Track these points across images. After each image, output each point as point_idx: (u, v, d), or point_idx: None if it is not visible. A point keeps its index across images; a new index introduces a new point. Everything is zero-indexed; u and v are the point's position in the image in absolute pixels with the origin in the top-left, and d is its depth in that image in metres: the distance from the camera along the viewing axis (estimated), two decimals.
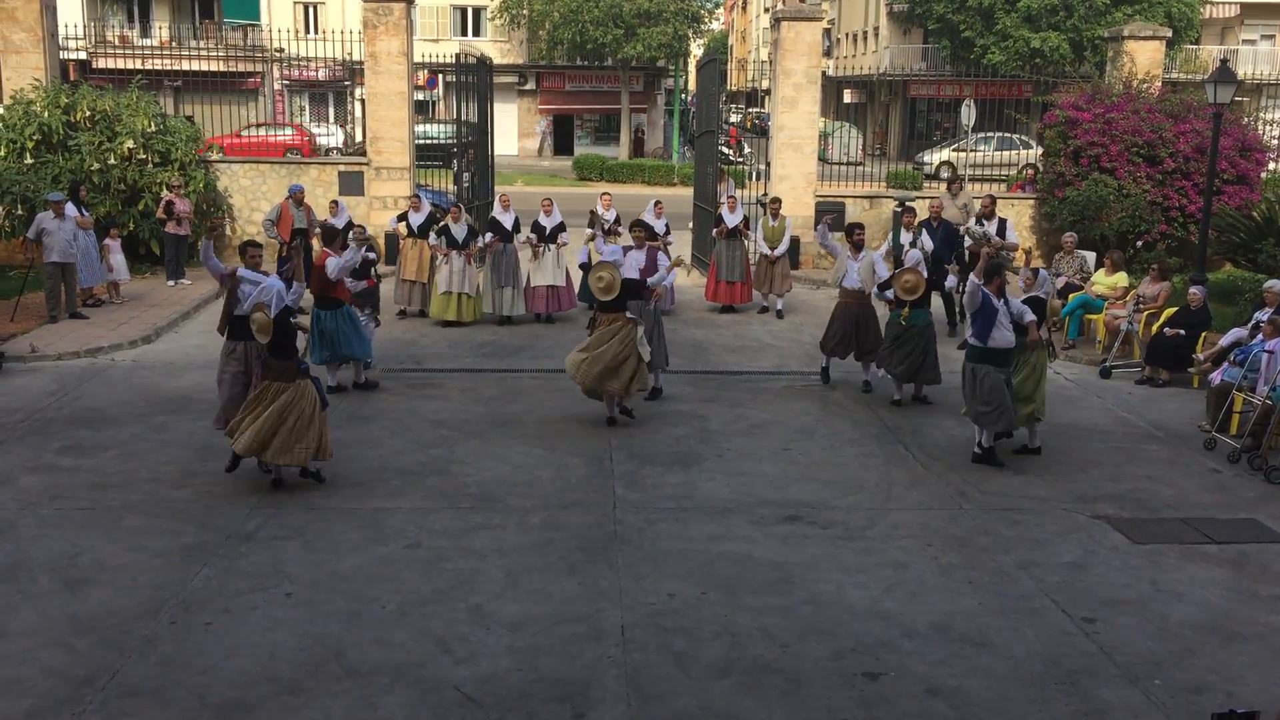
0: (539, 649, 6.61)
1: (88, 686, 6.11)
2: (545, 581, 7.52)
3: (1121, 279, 14.50)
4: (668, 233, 15.99)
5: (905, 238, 14.04)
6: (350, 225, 12.64)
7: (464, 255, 14.95)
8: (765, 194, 20.37)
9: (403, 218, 15.50)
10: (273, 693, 6.09)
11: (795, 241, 19.35)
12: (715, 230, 16.15)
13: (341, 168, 19.83)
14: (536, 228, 15.24)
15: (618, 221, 15.93)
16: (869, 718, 5.98)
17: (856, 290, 12.18)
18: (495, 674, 6.33)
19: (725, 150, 39.87)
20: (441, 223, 15.25)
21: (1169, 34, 21.29)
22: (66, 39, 19.93)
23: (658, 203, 16.25)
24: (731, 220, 15.98)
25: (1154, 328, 13.20)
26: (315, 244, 15.22)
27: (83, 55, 32.58)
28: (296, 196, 15.77)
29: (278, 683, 6.19)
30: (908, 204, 17.88)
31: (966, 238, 14.63)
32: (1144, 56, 20.15)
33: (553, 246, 15.21)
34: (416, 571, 7.63)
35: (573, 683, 6.26)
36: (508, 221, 15.17)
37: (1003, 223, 14.83)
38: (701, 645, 6.70)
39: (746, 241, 16.17)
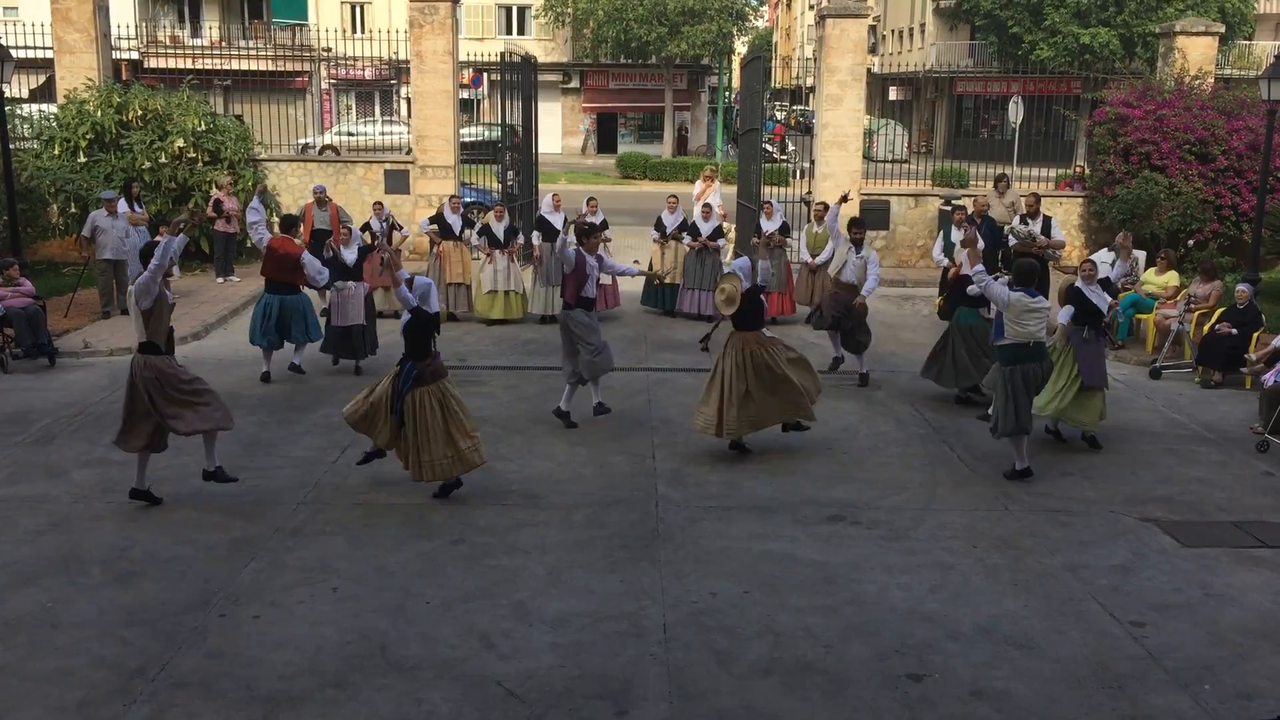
0: (581, 646, 6.63)
1: (139, 677, 6.20)
2: (588, 579, 7.54)
3: (1173, 278, 14.30)
4: (718, 235, 15.75)
5: (956, 235, 13.95)
6: (295, 220, 12.90)
7: (506, 253, 15.01)
8: (809, 192, 20.29)
9: (435, 219, 15.42)
10: (319, 686, 6.16)
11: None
12: (754, 239, 15.81)
13: (387, 166, 19.99)
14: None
15: (682, 227, 15.59)
16: (913, 719, 5.94)
17: (851, 284, 12.30)
18: (538, 670, 6.35)
19: (769, 148, 39.76)
20: (480, 223, 15.30)
21: (1222, 29, 21.00)
22: (119, 39, 20.25)
23: (706, 205, 16.09)
24: (768, 227, 15.34)
25: (1205, 328, 13.01)
26: (338, 247, 15.24)
27: (135, 55, 33.11)
28: (319, 196, 15.80)
29: (324, 676, 6.26)
30: (954, 202, 17.75)
31: (1011, 236, 14.49)
32: (1196, 52, 19.86)
33: None
34: (460, 568, 7.68)
35: (615, 680, 6.27)
36: (557, 221, 15.18)
37: (1048, 221, 14.67)
38: (744, 644, 6.69)
39: (786, 249, 15.56)
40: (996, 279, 9.63)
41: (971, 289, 10.54)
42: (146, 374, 8.20)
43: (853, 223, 12.77)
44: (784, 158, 36.82)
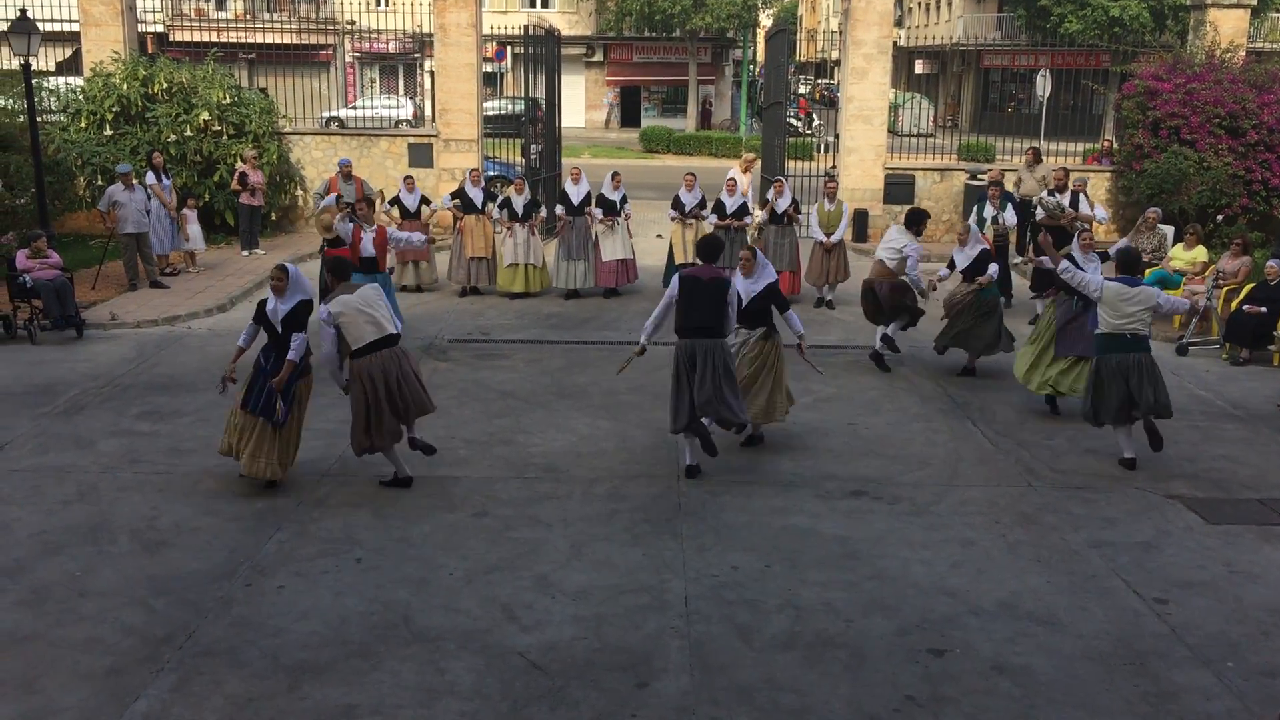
0: (603, 618, 6.67)
1: (166, 646, 6.28)
2: (610, 552, 7.57)
3: (1201, 254, 14.16)
4: (744, 213, 15.08)
5: (989, 211, 13.89)
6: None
7: (527, 226, 14.99)
8: (833, 166, 20.17)
9: (457, 194, 15.40)
10: (343, 655, 6.22)
11: (864, 215, 19.15)
12: (759, 211, 15.29)
13: (411, 140, 20.00)
14: (603, 201, 15.15)
15: (701, 205, 15.26)
16: (934, 694, 5.95)
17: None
18: (560, 642, 6.40)
19: (794, 122, 39.46)
20: (501, 197, 15.29)
21: (1254, 2, 20.68)
22: (144, 12, 20.31)
23: (731, 179, 15.70)
24: (780, 205, 14.90)
25: (1233, 304, 12.89)
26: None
27: (160, 28, 33.16)
28: (345, 170, 15.76)
29: (348, 646, 6.32)
30: (981, 177, 17.62)
31: (1039, 208, 14.41)
32: (1227, 25, 19.58)
33: (619, 220, 15.14)
34: (483, 540, 7.72)
35: (636, 652, 6.30)
36: (577, 195, 15.11)
37: (1075, 195, 14.55)
38: (765, 618, 6.71)
39: (796, 227, 15.11)
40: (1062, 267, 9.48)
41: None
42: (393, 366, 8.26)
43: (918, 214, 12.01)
44: (809, 132, 36.60)
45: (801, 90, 52.50)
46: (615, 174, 15.48)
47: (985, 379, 11.77)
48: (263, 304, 8.36)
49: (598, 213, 15.05)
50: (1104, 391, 9.05)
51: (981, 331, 11.49)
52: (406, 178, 15.60)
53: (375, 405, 8.17)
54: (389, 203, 15.70)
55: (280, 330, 8.26)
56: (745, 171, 16.88)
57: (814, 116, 41.98)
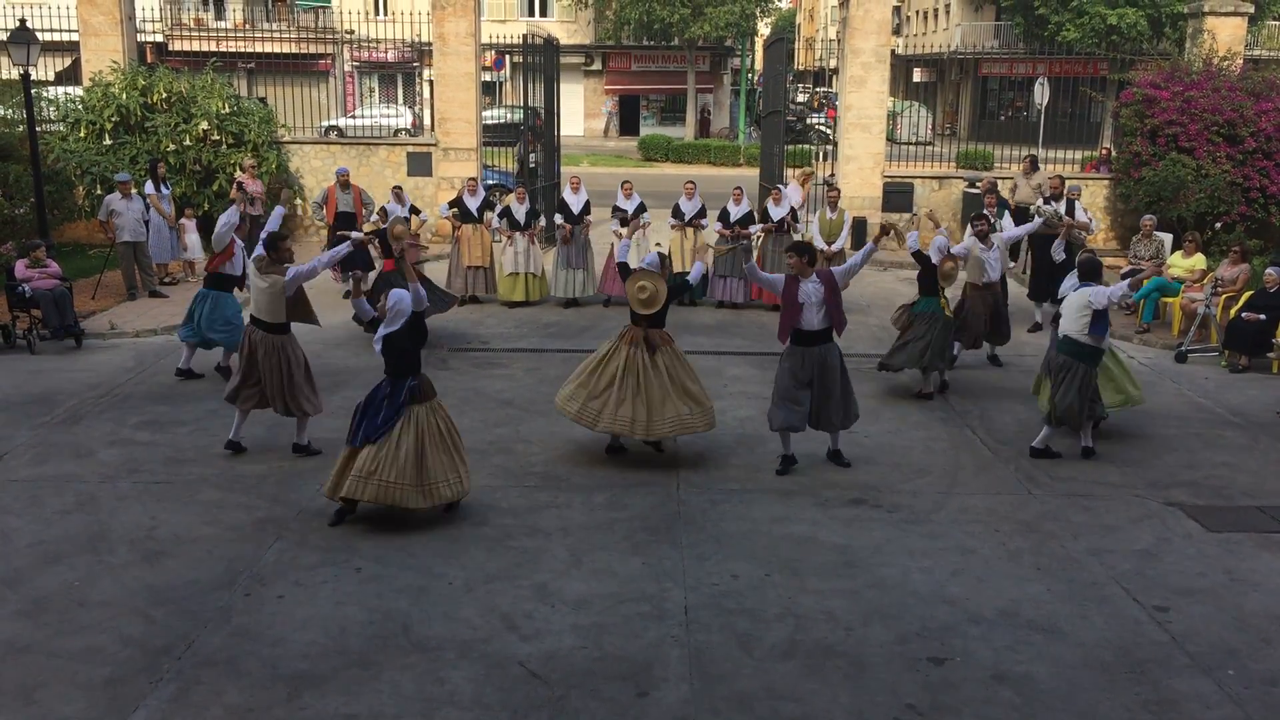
0: (603, 627, 6.66)
1: (165, 656, 6.27)
2: (609, 560, 7.57)
3: (1199, 261, 14.18)
4: (749, 222, 14.95)
5: None
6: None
7: (527, 235, 14.98)
8: (832, 174, 20.20)
9: (454, 204, 15.39)
10: (343, 665, 6.21)
11: (862, 223, 19.17)
12: (760, 226, 15.11)
13: (410, 149, 20.02)
14: (617, 212, 15.03)
15: (701, 214, 15.22)
16: (934, 702, 5.94)
17: (993, 282, 12.10)
18: (560, 651, 6.39)
19: (824, 129, 39.40)
20: (501, 205, 15.26)
21: (1251, 9, 20.73)
22: (143, 22, 20.30)
23: (737, 189, 15.63)
24: (777, 214, 14.85)
25: (1232, 311, 12.90)
26: (366, 228, 15.20)
27: (159, 38, 33.17)
28: (342, 179, 15.75)
29: (348, 655, 6.31)
30: (976, 184, 17.64)
31: (1037, 216, 14.43)
32: (1225, 33, 19.63)
33: (641, 227, 15.04)
34: (483, 549, 7.72)
35: (636, 661, 6.30)
36: (576, 204, 15.09)
37: (1071, 203, 14.58)
38: (765, 627, 6.70)
39: (795, 236, 14.87)
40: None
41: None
42: (273, 353, 9.21)
43: (974, 218, 12.43)
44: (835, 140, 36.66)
45: (800, 98, 52.60)
46: (625, 183, 15.41)
47: (984, 386, 11.78)
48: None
49: (615, 226, 14.88)
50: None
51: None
52: (395, 188, 15.62)
53: (248, 363, 9.29)
54: (375, 213, 15.68)
55: (382, 347, 7.89)
56: (804, 183, 16.58)
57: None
